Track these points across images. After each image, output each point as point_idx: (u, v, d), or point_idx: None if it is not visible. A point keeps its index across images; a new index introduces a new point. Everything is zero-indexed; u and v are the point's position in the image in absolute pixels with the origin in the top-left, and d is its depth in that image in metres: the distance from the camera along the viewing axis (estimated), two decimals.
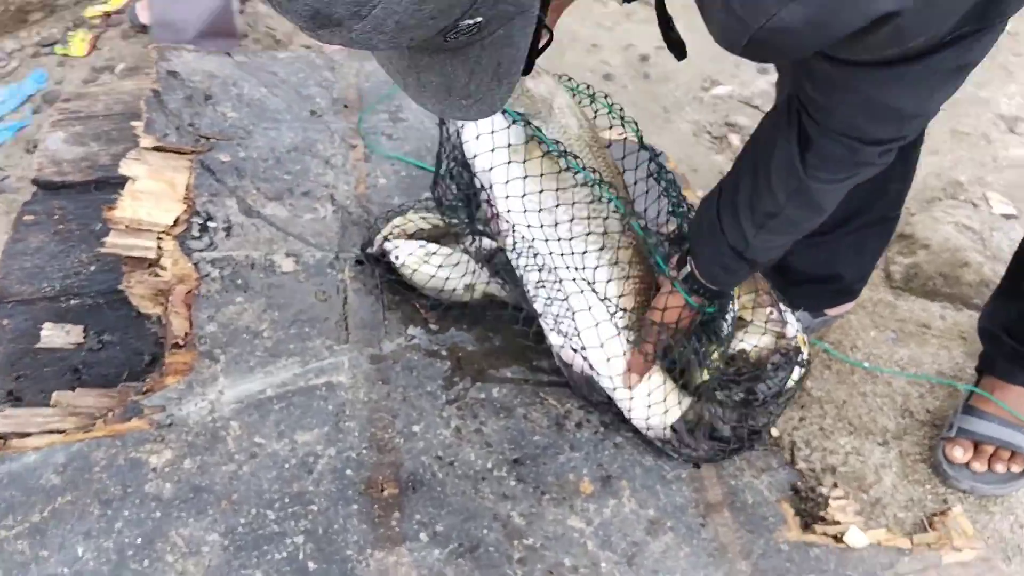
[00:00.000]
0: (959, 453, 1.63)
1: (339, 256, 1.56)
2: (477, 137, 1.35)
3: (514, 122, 1.33)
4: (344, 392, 1.37)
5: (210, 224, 1.56)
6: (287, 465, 1.27)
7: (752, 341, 1.43)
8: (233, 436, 1.29)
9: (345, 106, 1.84)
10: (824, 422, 1.70)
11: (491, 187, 1.36)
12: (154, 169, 1.59)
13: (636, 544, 1.30)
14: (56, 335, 1.40)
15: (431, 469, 1.31)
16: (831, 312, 1.81)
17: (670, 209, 1.44)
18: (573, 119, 1.38)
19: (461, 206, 1.47)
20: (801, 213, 1.15)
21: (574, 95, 1.42)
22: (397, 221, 1.53)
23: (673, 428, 1.39)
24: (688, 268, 1.32)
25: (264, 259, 1.53)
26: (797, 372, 1.43)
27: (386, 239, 1.50)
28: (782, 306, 1.47)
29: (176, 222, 1.54)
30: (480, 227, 1.47)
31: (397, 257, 1.48)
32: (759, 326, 1.44)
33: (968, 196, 2.15)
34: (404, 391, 1.40)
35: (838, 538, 1.41)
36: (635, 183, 1.43)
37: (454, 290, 1.49)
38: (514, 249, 1.39)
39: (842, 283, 1.74)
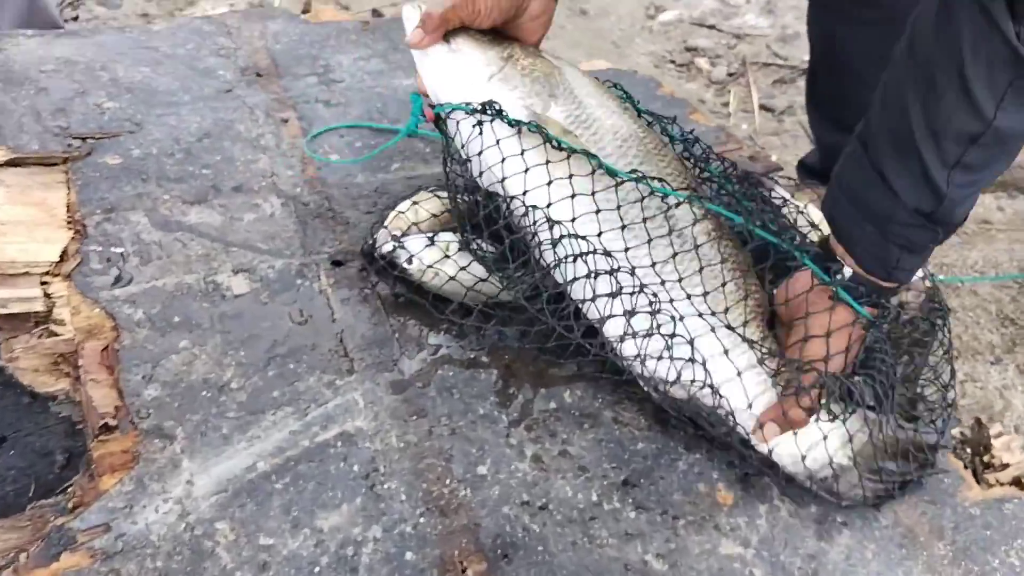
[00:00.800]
0: None
1: (308, 261, 1.14)
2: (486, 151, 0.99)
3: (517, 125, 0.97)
4: (369, 441, 0.96)
5: (114, 250, 1.10)
6: (317, 569, 0.85)
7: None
8: (225, 543, 0.86)
9: (258, 75, 1.41)
10: None
11: (524, 210, 1.00)
12: (16, 190, 1.12)
13: (813, 557, 0.95)
14: None
15: (521, 522, 0.92)
16: None
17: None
18: (592, 96, 1.03)
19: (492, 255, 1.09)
20: (1018, 119, 0.83)
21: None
22: (403, 207, 1.12)
23: (834, 470, 1.02)
24: (842, 266, 0.98)
25: (204, 282, 1.09)
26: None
27: (392, 236, 1.09)
28: None
29: (64, 256, 1.08)
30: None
31: (407, 259, 1.07)
32: None
33: None
34: (450, 421, 0.99)
35: (1020, 483, 1.11)
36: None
37: (483, 288, 1.08)
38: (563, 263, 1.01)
39: None
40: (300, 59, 1.46)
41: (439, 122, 1.05)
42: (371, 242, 1.11)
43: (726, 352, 0.98)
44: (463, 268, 1.06)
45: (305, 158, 1.27)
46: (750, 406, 0.98)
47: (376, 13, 2.25)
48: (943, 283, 1.54)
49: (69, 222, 1.12)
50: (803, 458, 0.99)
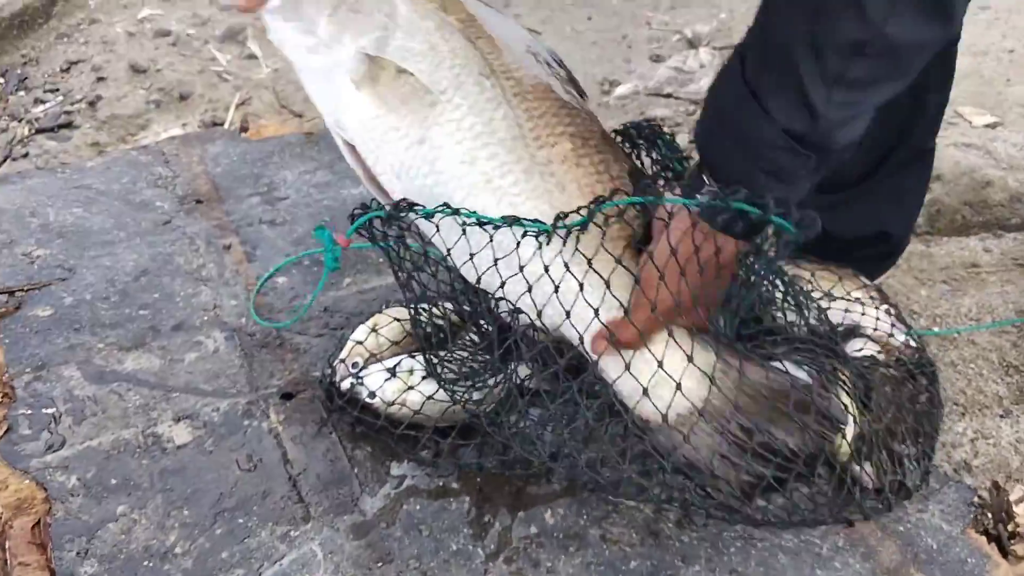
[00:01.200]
0: None
1: (255, 398, 1.05)
2: None
3: None
4: None
5: (45, 411, 1.02)
6: None
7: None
8: None
9: (198, 201, 1.35)
10: None
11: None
12: None
13: None
14: None
15: None
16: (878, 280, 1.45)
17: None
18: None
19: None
20: (912, 28, 0.75)
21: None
22: (360, 335, 1.04)
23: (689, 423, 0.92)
24: (707, 186, 0.87)
25: (143, 437, 1.00)
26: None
27: (351, 369, 1.01)
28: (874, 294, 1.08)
29: None
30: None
31: (368, 395, 0.99)
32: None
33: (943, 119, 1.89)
34: (420, 564, 0.90)
35: None
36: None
37: (465, 405, 0.99)
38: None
39: (890, 241, 1.39)
40: (242, 180, 1.41)
41: (370, 233, 0.97)
42: (328, 376, 1.03)
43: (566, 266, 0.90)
44: (429, 397, 0.98)
45: (249, 285, 1.21)
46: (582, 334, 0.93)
47: None
48: (939, 335, 1.47)
49: None
50: (644, 391, 0.91)
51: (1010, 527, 1.09)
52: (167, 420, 1.02)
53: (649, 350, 0.91)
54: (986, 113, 1.92)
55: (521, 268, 0.91)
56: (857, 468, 0.99)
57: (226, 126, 2.16)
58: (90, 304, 1.16)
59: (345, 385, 1.01)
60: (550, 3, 2.50)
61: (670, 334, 0.92)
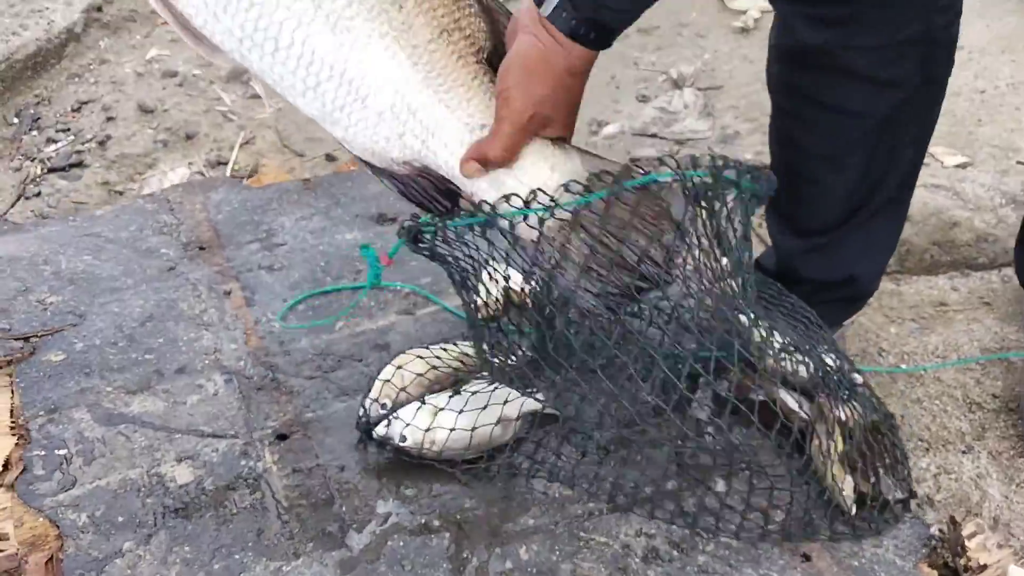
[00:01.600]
0: None
1: (252, 439, 1.13)
2: None
3: None
4: None
5: (58, 452, 1.10)
6: None
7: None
8: None
9: (201, 248, 1.44)
10: None
11: None
12: None
13: None
14: None
15: None
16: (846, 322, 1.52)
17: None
18: None
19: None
20: None
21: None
22: (386, 374, 1.12)
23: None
24: None
25: (148, 477, 1.08)
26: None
27: (381, 408, 1.10)
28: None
29: (7, 465, 1.08)
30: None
31: (400, 439, 1.08)
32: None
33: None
34: None
35: None
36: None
37: (490, 437, 1.09)
38: None
39: (857, 286, 1.46)
40: (243, 226, 1.50)
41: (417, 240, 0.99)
42: (364, 418, 1.11)
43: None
44: (452, 430, 1.07)
45: (248, 329, 1.29)
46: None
47: (329, 157, 2.31)
48: (905, 372, 1.54)
49: (12, 427, 1.12)
50: (507, 199, 0.91)
51: (962, 561, 1.16)
52: (170, 460, 1.10)
53: (515, 166, 0.91)
54: (957, 153, 1.99)
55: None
56: (842, 484, 1.07)
57: (230, 165, 2.25)
58: (99, 349, 1.24)
59: (379, 431, 1.08)
60: None
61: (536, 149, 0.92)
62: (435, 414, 1.08)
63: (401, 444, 1.07)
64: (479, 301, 1.10)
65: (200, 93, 2.44)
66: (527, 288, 1.09)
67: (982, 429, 1.44)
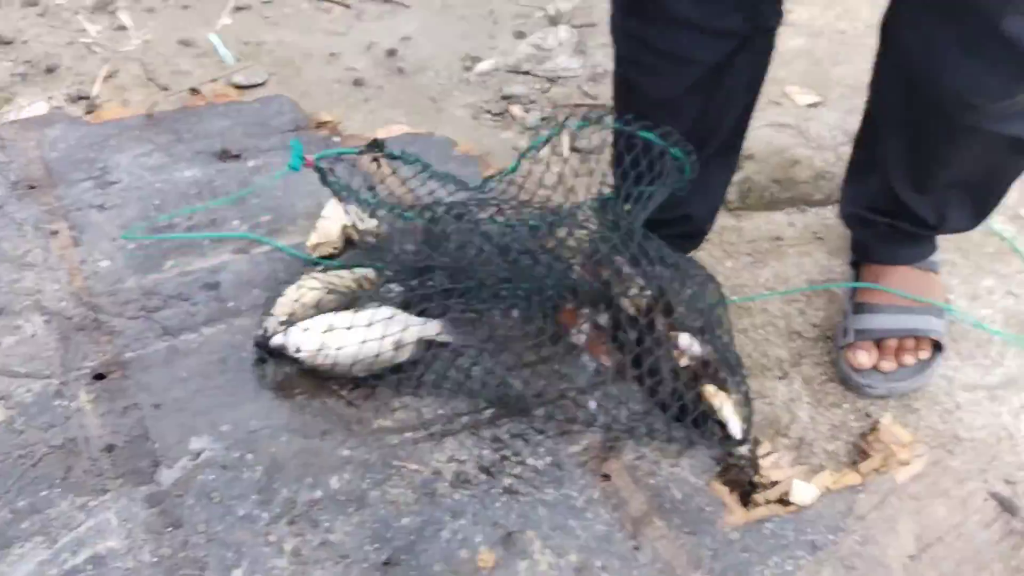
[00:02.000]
0: (863, 357, 1.44)
1: (68, 379, 1.14)
2: None
3: None
4: (120, 560, 0.96)
5: None
6: None
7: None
8: None
9: (31, 187, 1.40)
10: None
11: None
12: None
13: None
14: None
15: None
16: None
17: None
18: None
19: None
20: None
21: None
22: (290, 294, 1.20)
23: None
24: None
25: None
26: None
27: (281, 326, 1.17)
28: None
29: None
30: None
31: (295, 349, 1.15)
32: None
33: (769, 97, 2.01)
34: (207, 528, 1.00)
35: (784, 500, 1.18)
36: None
37: (378, 355, 1.16)
38: None
39: (692, 224, 1.52)
40: (77, 164, 1.46)
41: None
42: (263, 332, 1.18)
43: None
44: (344, 347, 1.13)
45: (73, 269, 1.28)
46: None
47: (194, 91, 2.25)
48: (736, 303, 1.62)
49: None
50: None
51: (756, 479, 1.25)
52: None
53: None
54: (811, 92, 2.05)
55: None
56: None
57: (91, 98, 2.17)
58: None
59: (276, 341, 1.16)
60: None
61: None
62: (331, 329, 1.14)
63: (295, 354, 1.14)
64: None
65: (63, 24, 2.34)
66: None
67: (799, 356, 1.53)
